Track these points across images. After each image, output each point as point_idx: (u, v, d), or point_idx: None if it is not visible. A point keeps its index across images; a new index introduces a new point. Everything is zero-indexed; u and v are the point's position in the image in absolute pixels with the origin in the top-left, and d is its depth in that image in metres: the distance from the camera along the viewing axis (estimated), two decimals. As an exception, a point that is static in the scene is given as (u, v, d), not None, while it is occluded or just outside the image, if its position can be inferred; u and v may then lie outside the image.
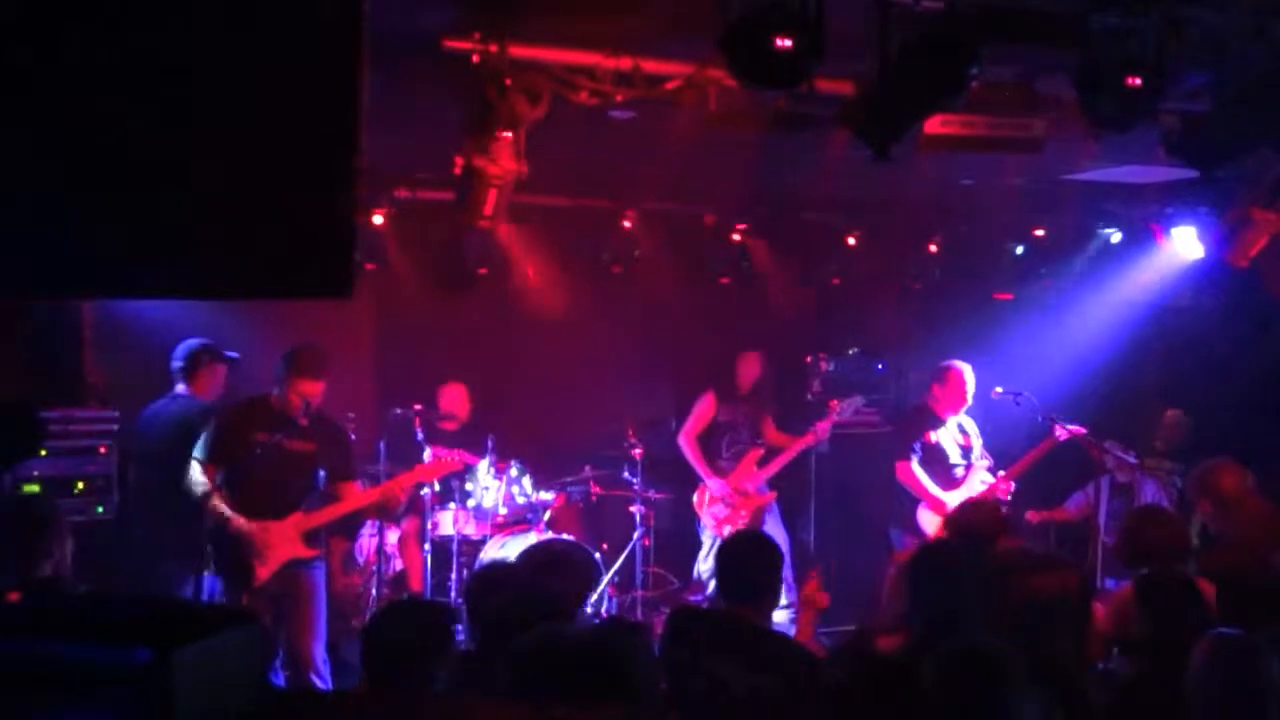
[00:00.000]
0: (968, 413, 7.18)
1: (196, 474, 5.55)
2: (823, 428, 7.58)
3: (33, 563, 4.15)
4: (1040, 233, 9.16)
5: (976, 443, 7.16)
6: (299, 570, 5.58)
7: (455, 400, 8.11)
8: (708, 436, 7.73)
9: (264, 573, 5.48)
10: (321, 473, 5.69)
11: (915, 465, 6.99)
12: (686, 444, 7.71)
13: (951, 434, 7.08)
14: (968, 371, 7.07)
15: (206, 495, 5.48)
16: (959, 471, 7.04)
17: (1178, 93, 4.79)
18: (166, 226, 1.85)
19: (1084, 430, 6.87)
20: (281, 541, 5.51)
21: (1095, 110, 4.48)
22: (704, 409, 7.72)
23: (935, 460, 7.01)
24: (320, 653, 5.62)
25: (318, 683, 5.53)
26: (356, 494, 5.82)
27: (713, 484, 7.59)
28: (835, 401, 7.70)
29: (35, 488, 6.65)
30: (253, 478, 5.50)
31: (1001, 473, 7.05)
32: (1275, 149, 5.37)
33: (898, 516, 7.08)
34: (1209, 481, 5.34)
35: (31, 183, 1.80)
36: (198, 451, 5.59)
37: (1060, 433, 6.91)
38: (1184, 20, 4.32)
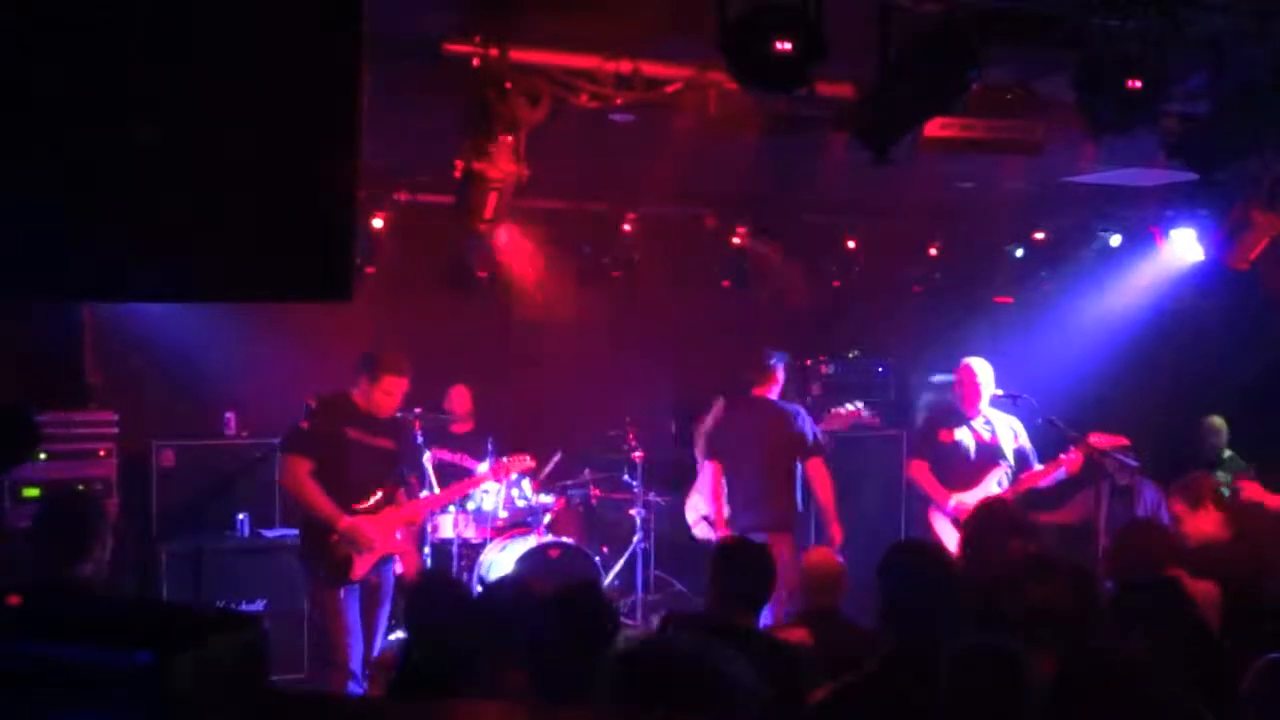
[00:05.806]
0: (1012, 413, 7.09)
1: (285, 466, 5.68)
2: None
3: (73, 562, 4.15)
4: (1040, 235, 9.15)
5: (1007, 443, 7.01)
6: (388, 565, 5.80)
7: (461, 401, 8.12)
8: None
9: (362, 567, 5.61)
10: (404, 468, 5.95)
11: (926, 464, 6.93)
12: None
13: (974, 432, 7.01)
14: (977, 367, 7.02)
15: (303, 490, 5.57)
16: (979, 470, 6.91)
17: (1177, 94, 4.78)
18: (165, 228, 1.85)
19: (1079, 465, 6.77)
20: (379, 536, 5.65)
21: (1095, 112, 4.47)
22: None
23: (955, 458, 6.92)
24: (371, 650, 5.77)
25: (353, 687, 5.53)
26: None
27: None
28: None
29: (35, 490, 6.66)
30: (347, 473, 5.63)
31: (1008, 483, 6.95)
32: (1275, 151, 5.36)
33: (916, 518, 6.99)
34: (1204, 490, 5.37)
35: (30, 184, 1.80)
36: (287, 445, 5.73)
37: (1067, 463, 6.76)
38: (1184, 21, 4.32)
